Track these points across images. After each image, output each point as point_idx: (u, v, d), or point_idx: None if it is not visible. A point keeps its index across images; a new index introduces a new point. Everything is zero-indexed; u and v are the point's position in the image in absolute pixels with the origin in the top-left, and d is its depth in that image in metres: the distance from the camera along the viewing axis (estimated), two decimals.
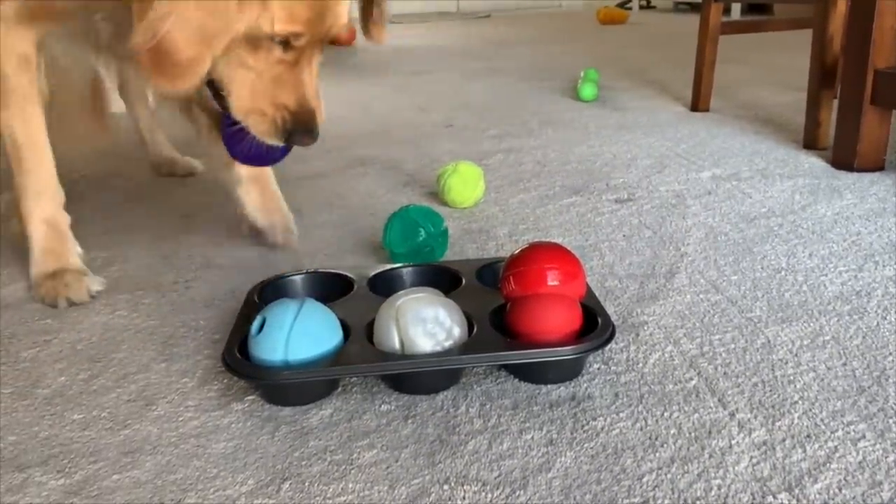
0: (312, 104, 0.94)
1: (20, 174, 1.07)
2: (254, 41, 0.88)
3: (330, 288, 0.97)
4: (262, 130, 0.94)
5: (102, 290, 1.08)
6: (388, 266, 1.02)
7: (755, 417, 0.73)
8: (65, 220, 1.12)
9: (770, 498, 0.62)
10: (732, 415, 0.74)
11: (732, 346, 0.87)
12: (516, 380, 0.82)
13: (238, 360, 0.78)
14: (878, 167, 1.50)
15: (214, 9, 0.82)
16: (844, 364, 0.82)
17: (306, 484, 0.66)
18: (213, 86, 0.94)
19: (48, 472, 0.69)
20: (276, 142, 0.95)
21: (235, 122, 0.95)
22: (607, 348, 0.84)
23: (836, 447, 0.68)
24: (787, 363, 0.83)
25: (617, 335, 0.86)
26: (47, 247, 1.09)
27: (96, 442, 0.74)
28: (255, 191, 1.21)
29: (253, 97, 0.92)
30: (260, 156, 1.00)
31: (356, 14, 1.05)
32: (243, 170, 1.18)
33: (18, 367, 0.88)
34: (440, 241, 1.12)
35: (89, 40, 1.06)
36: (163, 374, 0.86)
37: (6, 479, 0.68)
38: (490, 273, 0.97)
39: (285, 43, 0.89)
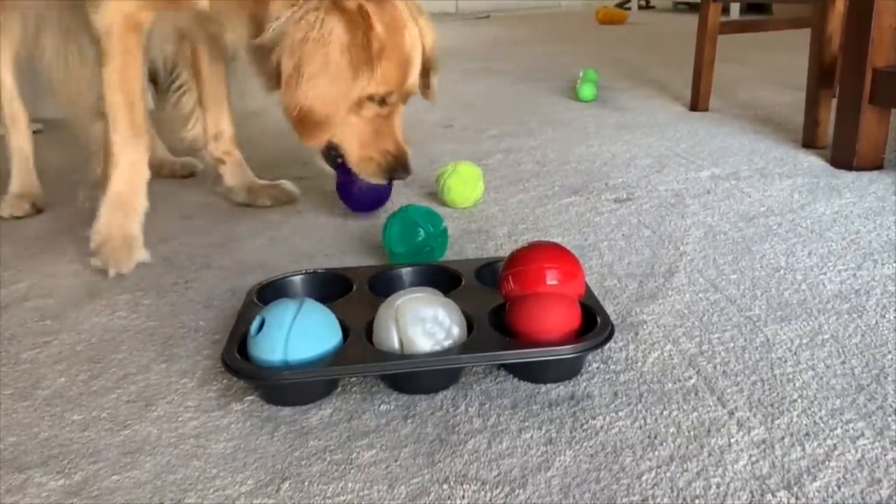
0: (404, 146, 1.19)
1: (114, 125, 1.17)
2: (360, 102, 1.13)
3: (329, 288, 0.97)
4: (371, 172, 1.19)
5: (106, 290, 1.08)
6: (388, 266, 1.02)
7: (754, 416, 0.73)
8: (145, 173, 1.21)
9: (769, 496, 0.63)
10: (731, 413, 0.74)
11: (731, 344, 0.87)
12: (515, 379, 0.82)
13: (237, 361, 0.79)
14: (877, 166, 1.50)
15: (338, 80, 1.08)
16: (843, 362, 0.82)
17: (306, 484, 0.67)
18: (329, 148, 1.19)
19: (48, 472, 0.69)
20: (382, 181, 1.20)
21: (350, 182, 1.23)
22: (606, 347, 0.84)
23: (835, 445, 0.69)
24: (786, 362, 0.83)
25: (616, 334, 0.86)
26: (121, 193, 1.18)
27: (96, 442, 0.74)
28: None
29: (362, 147, 1.17)
30: (371, 203, 1.32)
31: None
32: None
33: (18, 369, 0.88)
34: (439, 241, 1.12)
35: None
36: (162, 374, 0.86)
37: (6, 480, 0.68)
38: (489, 273, 0.98)
39: (381, 101, 1.14)
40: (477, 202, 1.41)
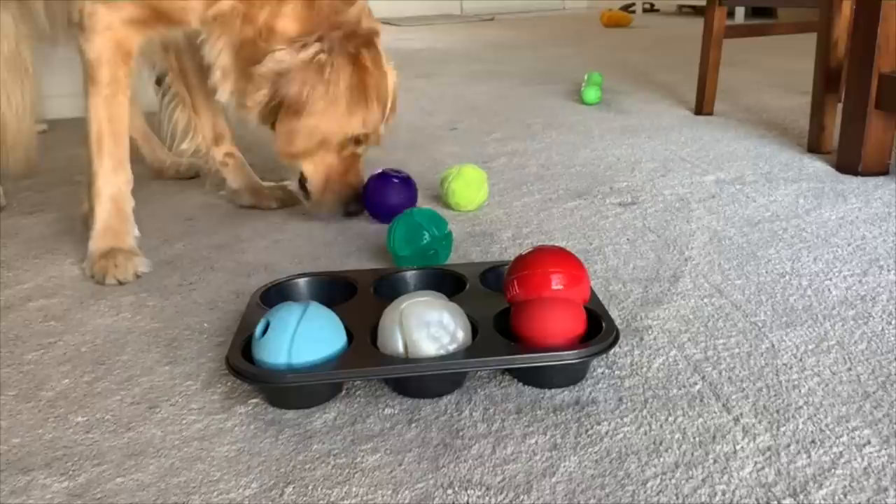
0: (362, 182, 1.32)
1: (98, 155, 1.17)
2: (344, 141, 1.24)
3: (334, 291, 0.97)
4: (330, 205, 1.30)
5: (110, 291, 1.08)
6: (393, 269, 1.02)
7: (760, 422, 0.73)
8: (129, 202, 1.20)
9: (774, 503, 0.62)
10: (737, 420, 0.74)
11: (737, 350, 0.87)
12: (520, 384, 0.82)
13: (242, 363, 0.78)
14: (883, 171, 1.49)
15: (337, 118, 1.19)
16: (849, 369, 0.82)
17: (310, 487, 0.66)
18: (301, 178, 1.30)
19: (52, 474, 0.69)
20: (336, 212, 1.31)
21: (379, 192, 1.32)
22: (611, 352, 0.84)
23: (840, 452, 0.68)
24: (791, 368, 0.83)
25: (621, 339, 0.86)
26: (109, 224, 1.17)
27: (100, 444, 0.74)
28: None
29: (328, 182, 1.28)
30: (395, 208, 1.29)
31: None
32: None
33: (22, 370, 0.88)
34: (444, 245, 1.12)
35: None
36: (166, 376, 0.86)
37: (10, 482, 0.68)
38: (494, 276, 0.97)
39: (357, 141, 1.25)
40: (481, 205, 1.41)
